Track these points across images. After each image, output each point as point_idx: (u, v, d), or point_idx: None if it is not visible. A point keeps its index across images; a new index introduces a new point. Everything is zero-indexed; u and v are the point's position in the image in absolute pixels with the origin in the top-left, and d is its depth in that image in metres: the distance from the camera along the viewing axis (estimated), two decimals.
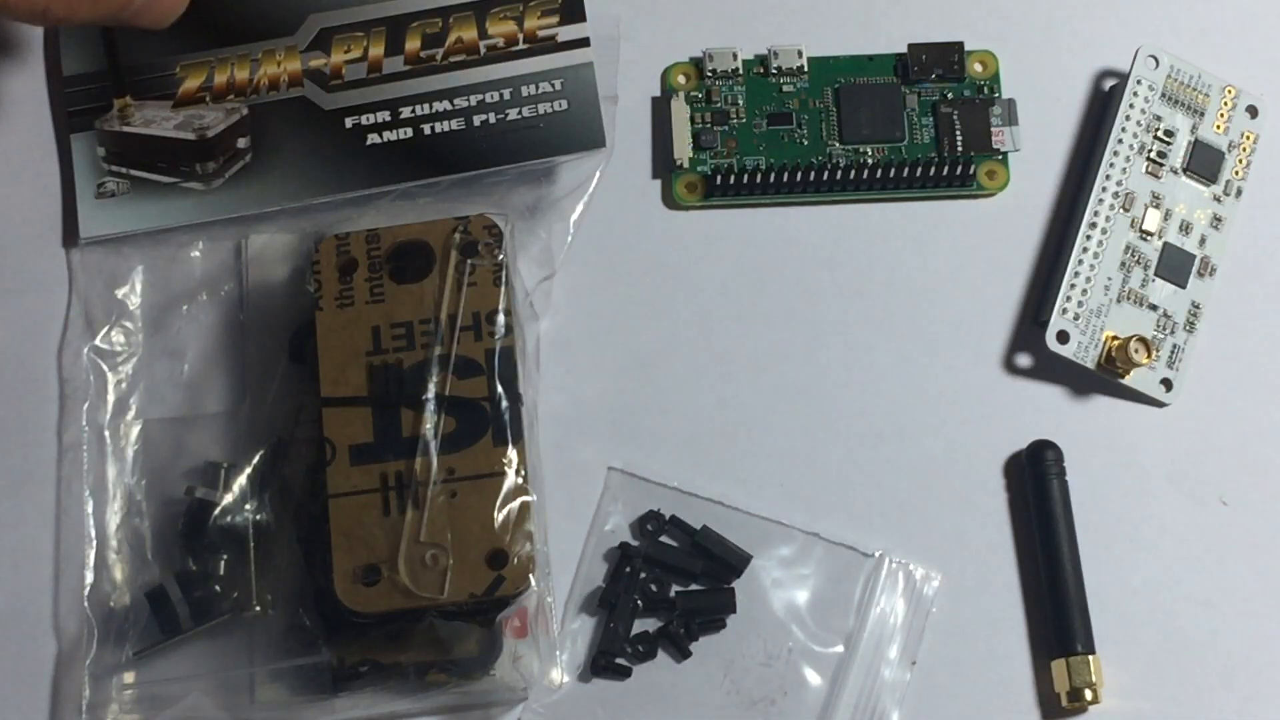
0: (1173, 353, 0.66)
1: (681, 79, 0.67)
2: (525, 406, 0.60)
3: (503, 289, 0.60)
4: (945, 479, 0.64)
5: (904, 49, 0.68)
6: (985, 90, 0.68)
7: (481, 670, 0.59)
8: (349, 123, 0.65)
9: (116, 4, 0.59)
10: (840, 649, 0.62)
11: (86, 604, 0.61)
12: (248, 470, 0.61)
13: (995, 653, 0.63)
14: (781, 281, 0.66)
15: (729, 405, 0.65)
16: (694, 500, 0.63)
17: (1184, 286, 0.66)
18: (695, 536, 0.63)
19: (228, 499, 0.61)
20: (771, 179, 0.65)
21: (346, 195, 0.64)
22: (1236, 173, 0.67)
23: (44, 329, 0.64)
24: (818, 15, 0.69)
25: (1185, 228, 0.66)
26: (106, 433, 0.63)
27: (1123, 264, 0.65)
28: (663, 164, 0.67)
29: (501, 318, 0.60)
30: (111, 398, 0.63)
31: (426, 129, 0.65)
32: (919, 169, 0.66)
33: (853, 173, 0.66)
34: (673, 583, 0.62)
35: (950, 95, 0.67)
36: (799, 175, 0.65)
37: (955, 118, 0.67)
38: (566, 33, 0.66)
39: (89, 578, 0.62)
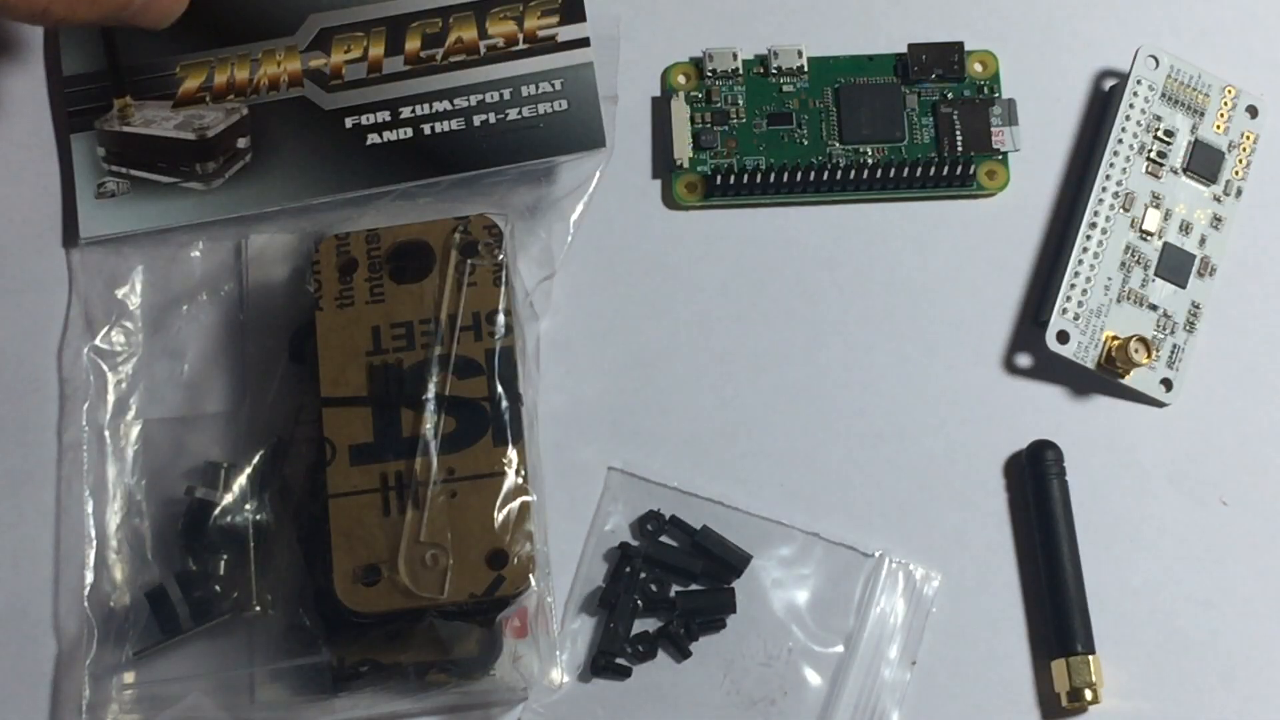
0: (1173, 353, 0.66)
1: (681, 79, 0.67)
2: (525, 406, 0.60)
3: (503, 289, 0.60)
4: (945, 479, 0.64)
5: (904, 49, 0.68)
6: (985, 90, 0.68)
7: (481, 670, 0.59)
8: (349, 123, 0.65)
9: (116, 4, 0.59)
10: (840, 649, 0.62)
11: (86, 604, 0.61)
12: (248, 470, 0.61)
13: (995, 653, 0.63)
14: (781, 281, 0.66)
15: (729, 405, 0.65)
16: (694, 500, 0.63)
17: (1184, 286, 0.66)
18: (695, 536, 0.63)
19: (228, 499, 0.61)
20: (771, 179, 0.65)
21: (346, 195, 0.64)
22: (1236, 173, 0.67)
23: (44, 329, 0.64)
24: (818, 15, 0.69)
25: (1185, 228, 0.66)
26: (106, 433, 0.63)
27: (1123, 264, 0.65)
28: (663, 164, 0.67)
29: (501, 318, 0.60)
30: (111, 398, 0.63)
31: (426, 129, 0.65)
32: (919, 169, 0.66)
33: (853, 173, 0.66)
34: (673, 583, 0.62)
35: (950, 95, 0.67)
36: (799, 175, 0.65)
37: (955, 118, 0.67)
38: (566, 33, 0.66)
39: (89, 578, 0.62)
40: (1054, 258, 0.66)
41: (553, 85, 0.65)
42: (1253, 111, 0.67)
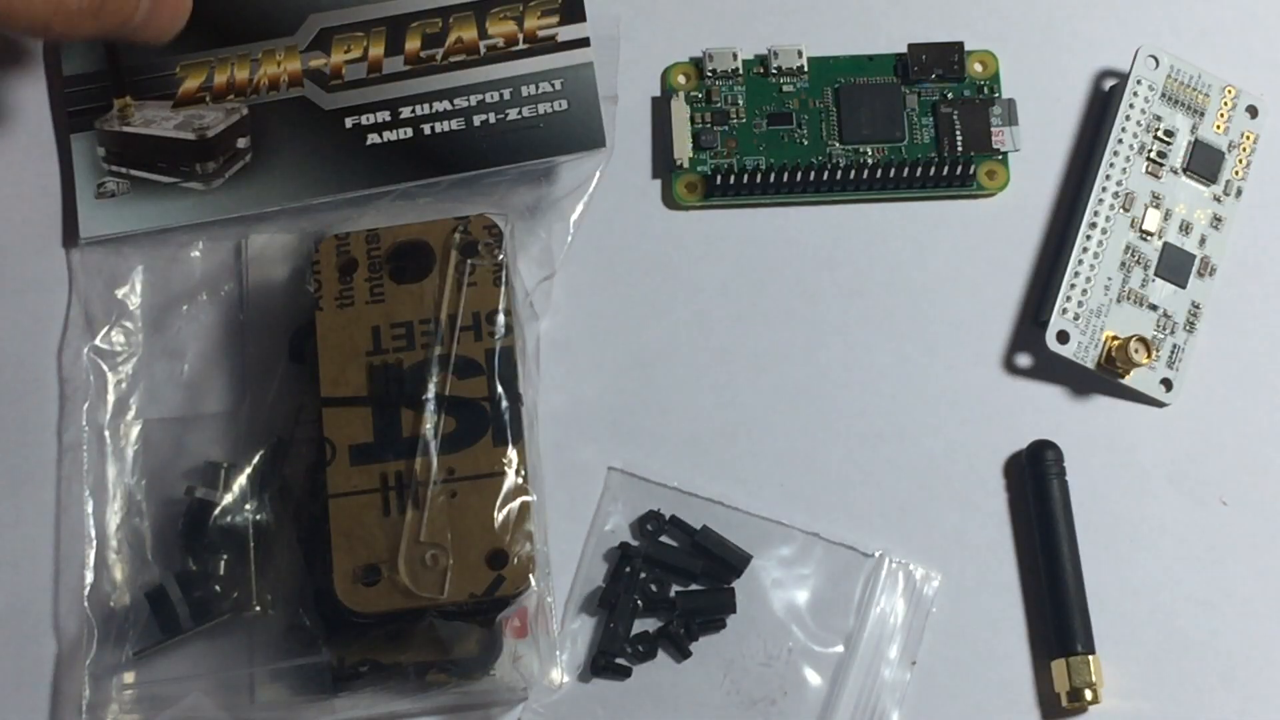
0: (1173, 353, 0.66)
1: (681, 79, 0.67)
2: (525, 406, 0.60)
3: (503, 289, 0.60)
4: (945, 479, 0.64)
5: (904, 49, 0.68)
6: (985, 90, 0.68)
7: (481, 670, 0.59)
8: (349, 123, 0.65)
9: (117, 20, 0.59)
10: (840, 649, 0.62)
11: (86, 604, 0.61)
12: (248, 470, 0.61)
13: (995, 653, 0.63)
14: (781, 281, 0.66)
15: (729, 405, 0.65)
16: (694, 500, 0.63)
17: (1184, 286, 0.66)
18: (695, 536, 0.63)
19: (228, 499, 0.61)
20: (771, 179, 0.65)
21: (346, 195, 0.64)
22: (1236, 173, 0.67)
23: (44, 329, 0.64)
24: (818, 15, 0.69)
25: (1185, 228, 0.66)
26: (106, 433, 0.63)
27: (1123, 264, 0.65)
28: (663, 164, 0.67)
29: (501, 318, 0.60)
30: (111, 398, 0.63)
31: (426, 129, 0.65)
32: (919, 169, 0.66)
33: (853, 173, 0.66)
34: (673, 583, 0.62)
35: (950, 95, 0.67)
36: (799, 175, 0.65)
37: (955, 118, 0.67)
38: (566, 33, 0.66)
39: (89, 578, 0.62)
40: (1054, 258, 0.66)
41: (553, 85, 0.65)
42: (1253, 111, 0.67)
